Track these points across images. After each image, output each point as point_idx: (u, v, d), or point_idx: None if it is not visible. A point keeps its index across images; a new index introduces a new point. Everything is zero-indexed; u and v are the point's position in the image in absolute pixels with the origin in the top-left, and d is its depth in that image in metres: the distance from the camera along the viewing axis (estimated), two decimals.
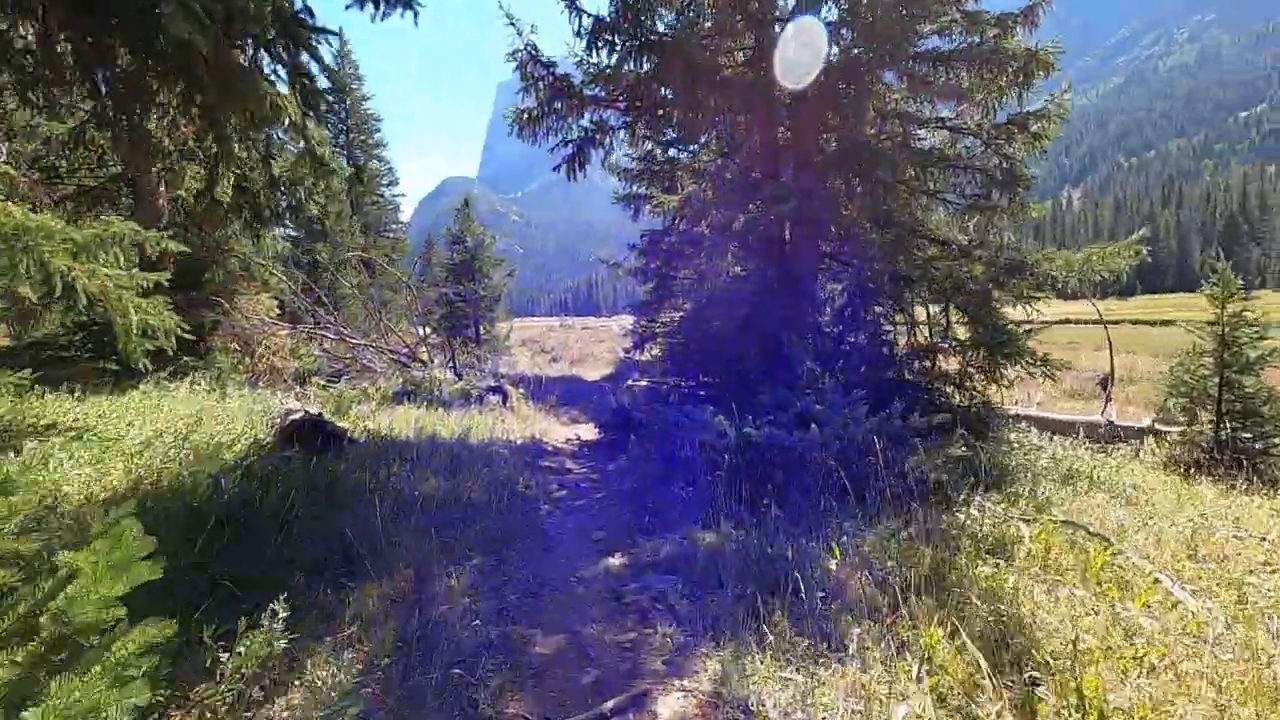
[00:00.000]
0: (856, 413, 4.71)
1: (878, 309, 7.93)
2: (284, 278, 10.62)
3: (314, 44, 4.23)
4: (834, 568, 3.65)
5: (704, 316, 8.29)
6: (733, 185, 8.59)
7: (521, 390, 10.69)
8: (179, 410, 6.81)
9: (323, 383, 10.35)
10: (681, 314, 18.95)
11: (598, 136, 7.88)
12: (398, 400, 9.35)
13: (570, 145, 7.91)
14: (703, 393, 8.26)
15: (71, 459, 4.52)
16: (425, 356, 11.23)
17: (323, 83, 4.85)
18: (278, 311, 10.60)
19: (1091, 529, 4.34)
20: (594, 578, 3.76)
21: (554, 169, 8.12)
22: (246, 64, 4.01)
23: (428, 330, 12.67)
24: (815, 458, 4.42)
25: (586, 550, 4.33)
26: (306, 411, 5.97)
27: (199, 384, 8.14)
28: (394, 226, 56.49)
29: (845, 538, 3.95)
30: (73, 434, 5.01)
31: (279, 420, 6.08)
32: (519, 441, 7.92)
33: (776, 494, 4.33)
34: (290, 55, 4.19)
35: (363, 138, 55.82)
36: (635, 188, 18.97)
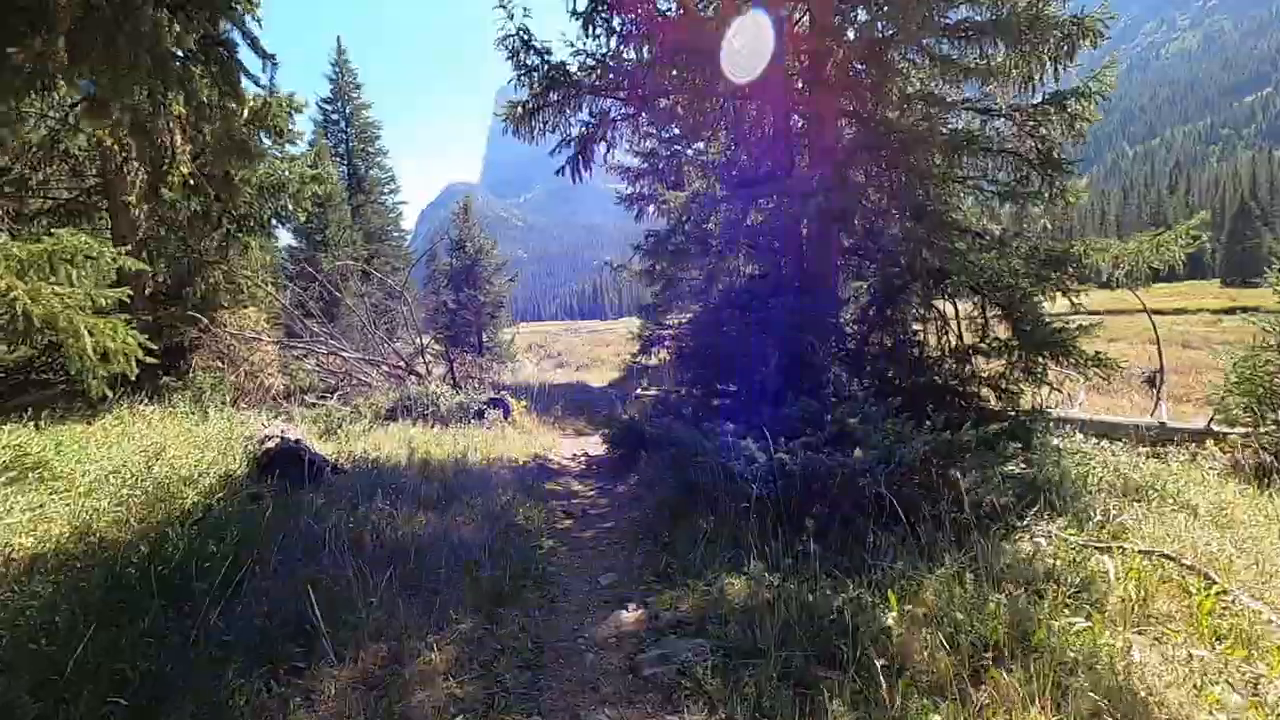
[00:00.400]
0: (902, 429, 4.09)
1: (905, 307, 7.31)
2: (273, 290, 10.08)
3: (233, 7, 3.62)
4: (893, 623, 3.04)
5: (717, 319, 7.68)
6: (744, 178, 7.99)
7: (524, 401, 10.11)
8: (151, 437, 6.26)
9: (313, 400, 9.81)
10: (689, 316, 18.36)
11: (600, 131, 7.28)
12: (392, 417, 8.78)
13: (572, 144, 7.32)
14: (716, 402, 7.66)
15: (4, 503, 3.96)
16: (423, 369, 10.67)
17: (250, 59, 4.26)
18: (266, 325, 10.07)
19: (1184, 560, 3.72)
20: (605, 640, 3.16)
21: (556, 172, 7.54)
22: (146, 27, 3.38)
23: (426, 340, 12.11)
24: (861, 484, 3.80)
25: (594, 599, 3.73)
26: (284, 438, 5.40)
27: (177, 406, 7.59)
28: (396, 234, 56.25)
29: (902, 581, 3.34)
30: (13, 473, 4.45)
31: (255, 448, 5.52)
32: (520, 461, 7.34)
33: (815, 527, 3.72)
34: (201, 20, 3.57)
35: (363, 146, 55.47)
36: (639, 187, 18.40)
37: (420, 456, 6.70)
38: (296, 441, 5.33)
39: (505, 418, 9.10)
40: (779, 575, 3.47)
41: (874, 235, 7.72)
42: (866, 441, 4.03)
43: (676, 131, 16.34)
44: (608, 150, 7.64)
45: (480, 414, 8.96)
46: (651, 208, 18.30)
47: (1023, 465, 4.76)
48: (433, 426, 8.66)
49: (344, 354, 10.30)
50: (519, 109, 7.23)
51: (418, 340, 10.77)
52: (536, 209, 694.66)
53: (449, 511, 4.81)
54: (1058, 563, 3.70)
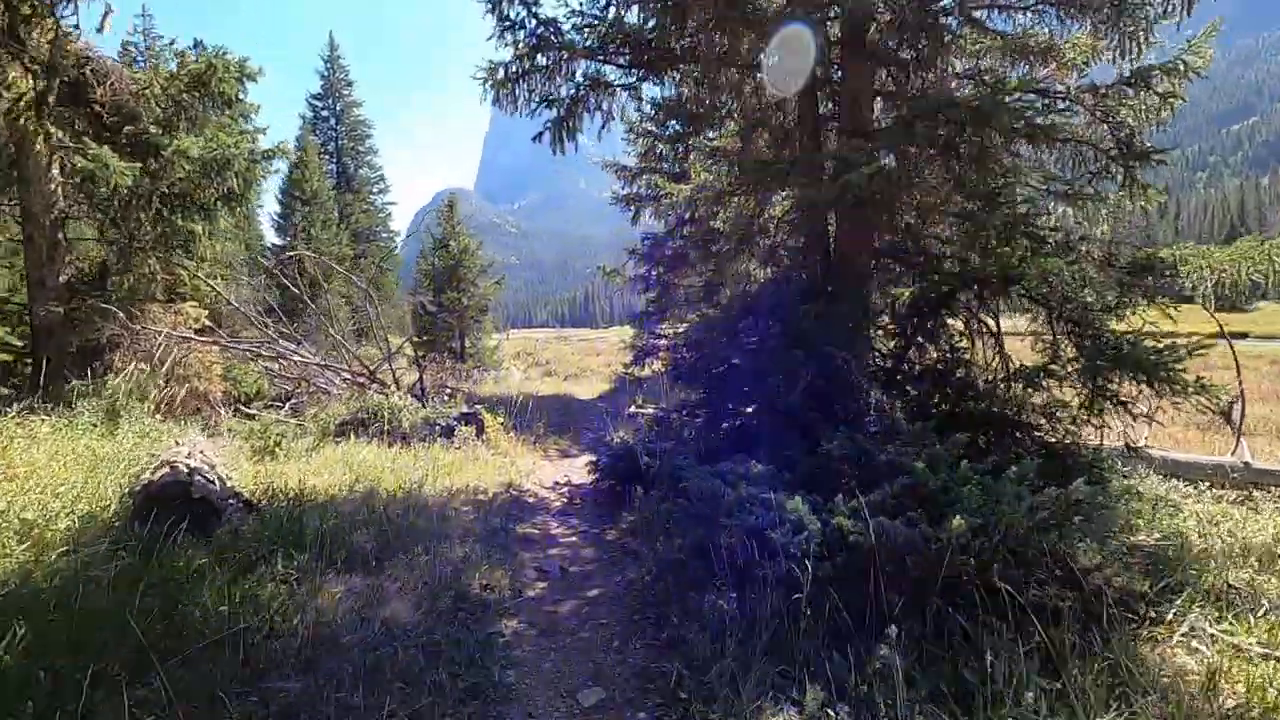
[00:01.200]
0: (1003, 489, 2.94)
1: (950, 320, 6.20)
2: (219, 285, 8.80)
3: None
4: None
5: (730, 328, 6.53)
6: (761, 165, 6.87)
7: (503, 416, 8.90)
8: (30, 458, 5.00)
9: (257, 410, 8.53)
10: (685, 325, 17.25)
11: (593, 97, 6.13)
12: (345, 433, 7.54)
13: (556, 107, 6.14)
14: (726, 426, 6.50)
15: None
16: (390, 377, 9.43)
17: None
18: (210, 323, 8.79)
19: None
20: None
21: (534, 138, 6.36)
22: None
23: (397, 345, 10.89)
24: (959, 564, 2.65)
25: None
26: (176, 468, 4.16)
27: (81, 416, 6.32)
28: (385, 234, 54.77)
29: None
30: None
31: (143, 478, 4.28)
32: (490, 493, 6.12)
33: (893, 623, 2.56)
34: None
35: (353, 144, 54.24)
36: (636, 186, 17.30)
37: (366, 486, 5.47)
38: (192, 473, 4.09)
39: (478, 436, 7.88)
40: (847, 710, 2.30)
41: (913, 234, 6.61)
42: (960, 502, 2.87)
43: (676, 126, 15.33)
44: (604, 124, 6.48)
45: (449, 431, 7.74)
46: (649, 209, 17.22)
47: (1146, 534, 3.61)
48: (391, 445, 7.43)
49: (296, 358, 9.05)
50: (500, 72, 6.06)
51: (385, 345, 9.54)
52: (530, 216, 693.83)
53: (382, 573, 3.60)
54: (1235, 691, 2.56)
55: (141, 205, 7.60)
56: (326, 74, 52.85)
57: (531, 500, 6.30)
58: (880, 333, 6.66)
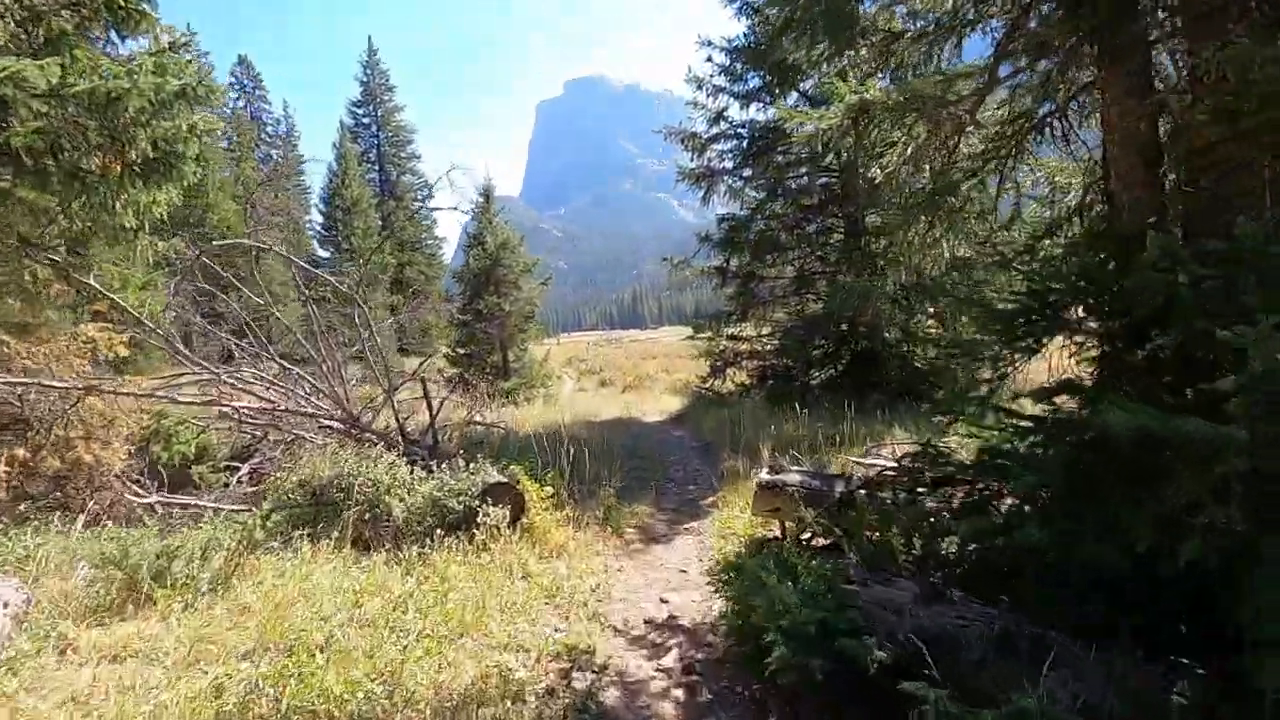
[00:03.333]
0: None
1: None
2: (138, 305, 5.96)
3: None
4: None
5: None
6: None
7: (553, 473, 5.84)
8: None
9: (155, 502, 5.64)
10: (770, 328, 13.86)
11: None
12: (306, 523, 4.60)
13: None
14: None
15: None
16: (395, 420, 6.47)
17: None
18: (124, 353, 6.01)
19: None
20: None
21: None
22: None
23: (421, 366, 7.98)
24: None
25: None
26: None
27: None
28: (431, 242, 53.09)
29: None
30: None
31: None
32: (534, 683, 3.00)
33: None
34: None
35: (395, 150, 52.81)
36: (706, 158, 14.06)
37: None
38: None
39: (513, 523, 4.83)
40: None
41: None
42: None
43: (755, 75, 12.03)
44: None
45: (468, 518, 4.72)
46: (723, 186, 13.96)
47: None
48: (371, 551, 4.44)
49: (251, 401, 6.17)
50: None
51: (387, 379, 6.56)
52: (575, 219, 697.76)
53: None
54: None
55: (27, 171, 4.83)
56: (366, 79, 51.61)
57: (617, 695, 3.14)
58: None
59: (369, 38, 51.56)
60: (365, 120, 51.44)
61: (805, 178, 12.76)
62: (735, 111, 13.58)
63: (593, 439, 8.21)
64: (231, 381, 6.01)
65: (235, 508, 5.07)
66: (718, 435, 9.34)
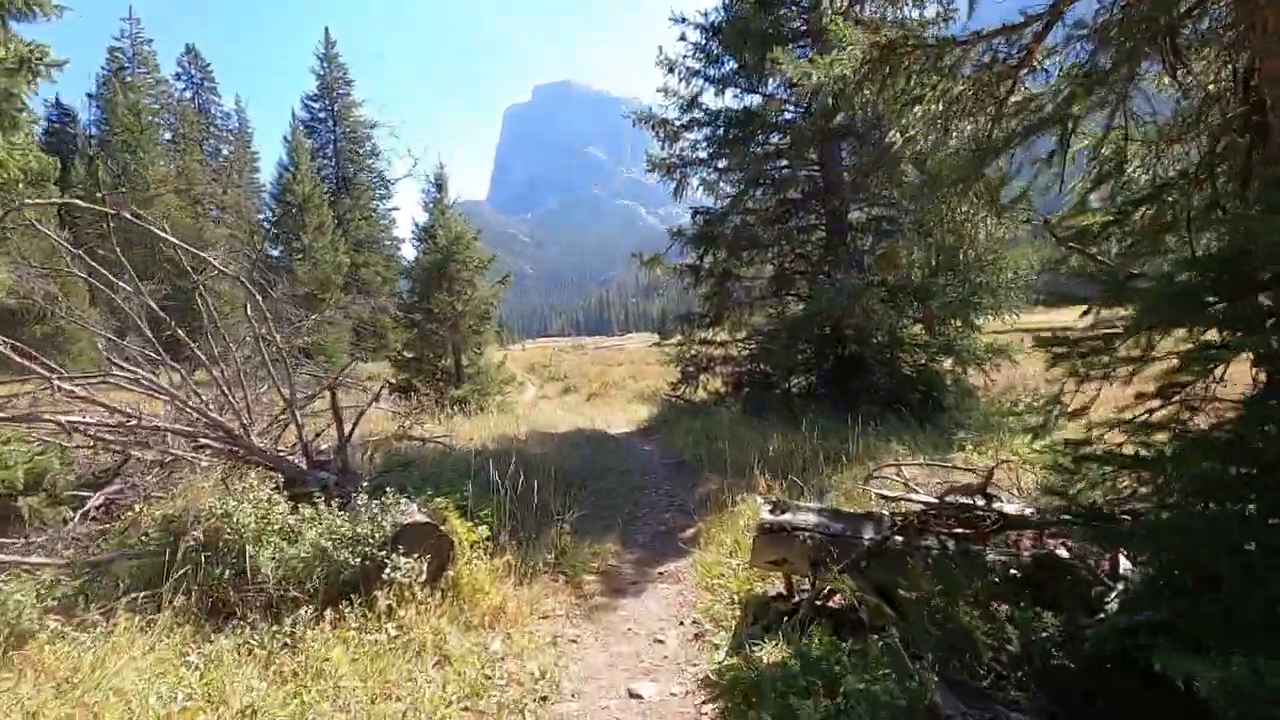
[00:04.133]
0: None
1: None
2: None
3: None
4: None
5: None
6: None
7: (489, 509, 4.61)
8: None
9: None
10: (751, 330, 12.79)
11: None
12: (110, 615, 3.30)
13: None
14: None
15: None
16: (297, 437, 5.15)
17: None
18: None
19: None
20: None
21: None
22: None
23: (338, 375, 6.65)
24: None
25: None
26: None
27: None
28: (388, 242, 50.85)
29: None
30: None
31: None
32: None
33: None
34: None
35: (352, 146, 50.63)
36: (678, 148, 13.00)
37: None
38: None
39: (433, 582, 3.61)
40: None
41: None
42: None
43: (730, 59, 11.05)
44: None
45: (370, 575, 3.48)
46: (696, 179, 12.92)
47: None
48: (228, 624, 3.17)
49: (99, 411, 4.78)
50: None
51: (290, 389, 5.23)
52: (543, 225, 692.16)
53: None
54: None
55: None
56: (323, 73, 49.34)
57: None
58: None
59: (325, 29, 49.37)
60: (321, 115, 49.16)
61: (787, 169, 11.78)
62: (710, 98, 12.58)
63: (549, 456, 6.98)
64: (73, 389, 4.61)
65: (43, 562, 3.69)
66: (693, 450, 8.22)
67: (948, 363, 10.45)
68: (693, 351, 12.94)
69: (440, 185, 14.74)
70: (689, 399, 12.83)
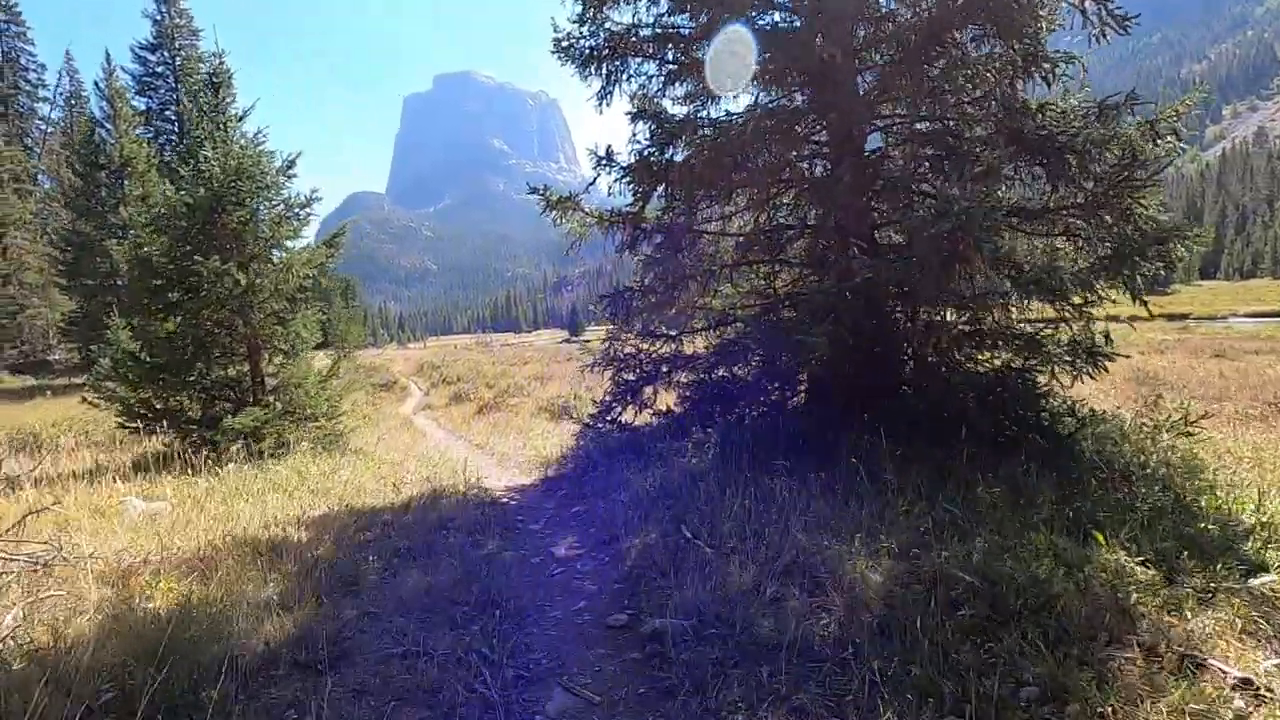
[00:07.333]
0: None
1: None
2: None
3: None
4: None
5: None
6: None
7: None
8: None
9: None
10: (724, 316, 7.83)
11: None
12: None
13: None
14: None
15: None
16: None
17: None
18: None
19: None
20: None
21: None
22: None
23: None
24: None
25: None
26: None
27: None
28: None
29: None
30: None
31: None
32: None
33: None
34: None
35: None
36: (607, 21, 8.21)
37: None
38: None
39: None
40: None
41: None
42: None
43: None
44: None
45: None
46: (635, 83, 8.21)
47: None
48: None
49: None
50: None
51: None
52: (446, 219, 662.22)
53: None
54: None
55: None
56: (160, 17, 39.94)
57: None
58: None
59: None
60: (159, 69, 40.01)
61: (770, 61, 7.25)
62: None
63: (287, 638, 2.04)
64: None
65: None
66: (663, 557, 3.47)
67: (1033, 361, 6.23)
68: (628, 349, 8.19)
69: (217, 86, 9.16)
70: (628, 424, 8.09)
